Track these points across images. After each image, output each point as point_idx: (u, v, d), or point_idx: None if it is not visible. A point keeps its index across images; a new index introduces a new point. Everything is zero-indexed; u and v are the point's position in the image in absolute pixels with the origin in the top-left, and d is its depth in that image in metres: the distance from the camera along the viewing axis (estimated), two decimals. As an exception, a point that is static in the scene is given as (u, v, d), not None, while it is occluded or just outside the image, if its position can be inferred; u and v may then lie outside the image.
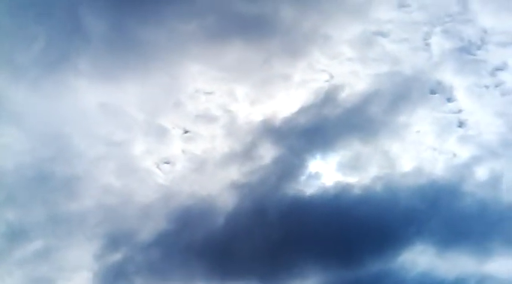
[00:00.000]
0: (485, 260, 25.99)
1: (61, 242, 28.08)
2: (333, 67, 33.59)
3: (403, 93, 31.90)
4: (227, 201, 28.89)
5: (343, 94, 31.91)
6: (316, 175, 30.00)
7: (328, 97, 31.70)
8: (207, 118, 32.52)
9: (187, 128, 32.84)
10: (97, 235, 28.11)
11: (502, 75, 33.25)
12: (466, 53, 34.03)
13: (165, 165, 31.80)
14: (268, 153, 30.39)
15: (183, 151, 31.92)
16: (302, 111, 31.46)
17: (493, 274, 25.79)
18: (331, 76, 33.26)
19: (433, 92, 33.07)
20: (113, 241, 27.84)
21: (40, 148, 30.07)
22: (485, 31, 33.88)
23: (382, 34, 33.97)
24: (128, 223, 28.63)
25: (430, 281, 25.75)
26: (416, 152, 30.96)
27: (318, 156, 30.81)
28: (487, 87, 33.76)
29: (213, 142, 32.06)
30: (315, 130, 30.51)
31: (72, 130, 30.98)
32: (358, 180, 29.43)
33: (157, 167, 31.51)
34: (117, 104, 32.14)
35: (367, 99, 31.49)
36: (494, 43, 33.87)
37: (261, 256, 26.57)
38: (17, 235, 28.06)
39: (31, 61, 31.59)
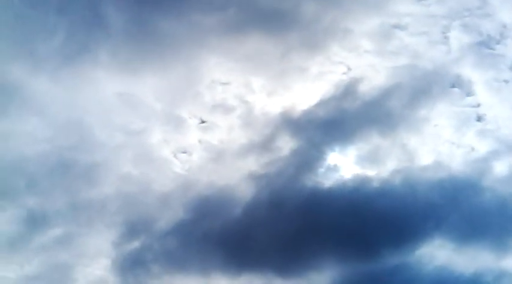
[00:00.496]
0: (503, 256, 25.16)
1: (81, 229, 27.78)
2: (351, 60, 32.82)
3: (422, 86, 31.12)
4: (245, 192, 28.38)
5: (362, 87, 31.23)
6: (335, 168, 29.33)
7: (347, 90, 31.04)
8: (224, 108, 32.17)
9: (204, 118, 32.70)
10: (116, 222, 27.84)
11: None
12: (485, 47, 33.13)
13: (183, 154, 31.49)
14: (286, 145, 29.81)
15: (200, 141, 31.53)
16: (321, 103, 30.83)
17: (510, 270, 24.95)
18: (350, 69, 32.60)
19: (451, 86, 32.32)
20: (132, 229, 27.53)
21: (61, 137, 29.79)
22: (504, 26, 32.90)
23: (401, 27, 33.15)
24: (146, 212, 28.29)
25: (448, 275, 25.02)
26: (435, 146, 30.27)
27: (337, 149, 30.29)
28: (506, 81, 32.91)
29: (230, 132, 31.67)
30: (334, 122, 29.87)
31: (92, 119, 30.69)
32: (376, 173, 28.81)
33: (175, 156, 31.18)
34: (135, 94, 31.82)
35: (386, 93, 30.79)
36: None
37: (278, 248, 26.02)
38: (37, 221, 27.78)
39: (52, 52, 31.37)
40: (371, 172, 28.79)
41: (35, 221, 27.65)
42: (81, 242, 27.38)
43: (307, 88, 32.44)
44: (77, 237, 27.43)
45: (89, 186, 28.59)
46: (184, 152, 31.40)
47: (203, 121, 32.30)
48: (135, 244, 27.17)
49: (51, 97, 30.61)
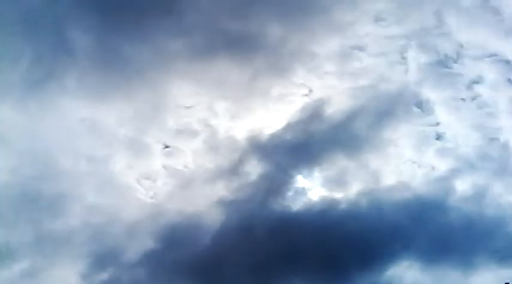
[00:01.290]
0: (471, 274, 24.53)
1: (47, 261, 26.27)
2: (314, 82, 32.29)
3: (383, 108, 30.65)
4: (213, 218, 27.29)
5: (325, 110, 30.61)
6: (303, 191, 28.48)
7: (311, 112, 30.41)
8: (188, 133, 31.06)
9: (168, 143, 31.32)
10: (83, 254, 26.33)
11: (478, 89, 32.20)
12: (443, 66, 32.96)
13: (147, 181, 30.09)
14: (253, 169, 28.88)
15: (165, 167, 30.29)
16: (286, 127, 30.08)
17: (478, 287, 24.38)
18: (311, 91, 31.96)
19: (411, 106, 31.92)
20: (99, 260, 25.94)
21: (24, 167, 28.28)
22: (461, 45, 32.72)
23: (360, 48, 32.69)
24: (113, 242, 26.80)
25: (418, 296, 24.22)
26: (398, 166, 29.72)
27: (304, 172, 29.36)
28: (463, 100, 32.75)
29: (196, 157, 30.59)
30: (300, 145, 29.03)
31: (57, 148, 29.36)
32: (343, 195, 28.07)
33: (139, 183, 29.88)
34: (100, 121, 30.63)
35: (348, 115, 30.25)
36: (470, 57, 32.66)
37: (248, 273, 25.01)
38: (1, 254, 26.05)
39: (16, 79, 30.16)
40: (338, 194, 28.20)
41: (0, 255, 25.86)
42: (47, 275, 25.85)
43: (272, 112, 31.86)
44: (43, 270, 25.91)
45: (54, 216, 27.17)
46: (148, 178, 30.18)
47: (167, 146, 31.32)
48: (104, 276, 25.75)
49: (14, 126, 29.23)
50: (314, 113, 30.08)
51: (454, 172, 28.65)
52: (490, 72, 32.00)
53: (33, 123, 29.64)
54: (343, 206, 26.92)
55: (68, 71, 30.28)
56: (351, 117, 29.55)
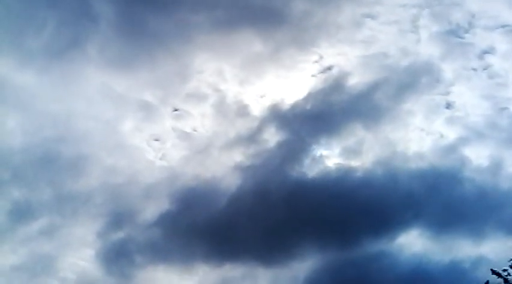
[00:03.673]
0: (480, 243, 22.31)
1: (65, 220, 24.65)
2: (324, 49, 29.89)
3: (394, 77, 28.03)
4: (228, 182, 25.20)
5: (333, 75, 28.17)
6: (320, 159, 26.09)
7: (320, 79, 27.98)
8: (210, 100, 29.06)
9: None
10: (100, 214, 24.49)
11: (490, 59, 29.49)
12: (454, 36, 30.23)
13: (156, 142, 28.38)
14: (273, 137, 26.67)
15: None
16: (307, 97, 27.72)
17: (487, 256, 22.14)
18: (321, 58, 29.53)
19: (421, 74, 29.38)
20: (116, 220, 24.16)
21: (46, 130, 26.57)
22: (473, 15, 29.70)
23: (372, 16, 29.81)
24: (130, 203, 24.90)
25: (426, 263, 22.16)
26: (411, 136, 27.34)
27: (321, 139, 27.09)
28: (474, 69, 30.15)
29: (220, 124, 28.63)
30: (319, 115, 26.68)
31: (78, 112, 27.54)
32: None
33: (149, 145, 28.01)
34: (120, 87, 28.63)
35: (363, 85, 27.60)
36: (481, 27, 29.69)
37: (261, 238, 23.15)
38: (22, 213, 24.49)
39: (40, 46, 28.35)
40: (354, 163, 25.82)
41: (20, 213, 24.27)
42: (65, 233, 24.22)
43: (293, 82, 29.71)
44: (61, 228, 24.28)
45: (73, 177, 25.43)
46: (158, 140, 28.39)
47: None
48: (120, 235, 23.95)
49: (38, 91, 27.57)
50: (321, 79, 27.94)
51: (463, 141, 26.34)
52: (502, 43, 29.36)
53: (55, 89, 28.00)
54: (358, 174, 24.85)
55: (90, 39, 28.47)
56: (365, 89, 27.28)
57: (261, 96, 29.62)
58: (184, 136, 28.34)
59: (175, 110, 29.10)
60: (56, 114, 26.76)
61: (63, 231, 23.86)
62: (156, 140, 28.45)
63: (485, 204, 22.55)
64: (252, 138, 26.41)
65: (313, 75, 29.16)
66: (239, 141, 26.70)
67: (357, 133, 26.11)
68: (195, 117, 29.22)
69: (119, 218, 23.80)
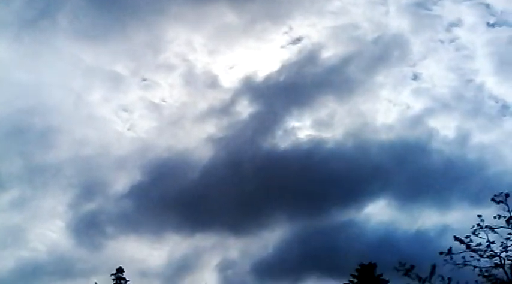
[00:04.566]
0: (446, 213, 22.14)
1: (35, 192, 23.76)
2: (293, 20, 29.44)
3: (363, 49, 27.45)
4: (200, 154, 24.53)
5: (301, 46, 27.54)
6: (292, 131, 25.59)
7: (291, 49, 27.23)
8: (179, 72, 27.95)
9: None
10: (71, 185, 23.58)
11: (457, 31, 29.21)
12: (423, 8, 29.71)
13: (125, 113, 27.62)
14: (245, 109, 25.98)
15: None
16: (280, 69, 26.96)
17: (452, 226, 22.04)
18: (291, 29, 29.01)
19: (391, 47, 28.86)
20: (87, 192, 23.25)
21: (17, 101, 25.36)
22: (441, -14, 29.66)
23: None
24: (101, 174, 24.04)
25: (393, 232, 21.94)
26: (379, 108, 26.89)
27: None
28: (442, 42, 29.76)
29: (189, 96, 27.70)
30: (292, 87, 25.96)
31: (49, 84, 26.49)
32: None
33: (116, 115, 27.19)
34: (92, 59, 27.57)
35: (330, 54, 26.97)
36: None
37: (233, 208, 22.52)
38: (-8, 184, 23.03)
39: (11, 16, 27.09)
40: (325, 134, 25.39)
41: (-10, 184, 22.98)
42: (35, 204, 23.39)
43: (266, 54, 28.97)
44: (31, 200, 23.42)
45: (44, 149, 24.36)
46: (125, 110, 27.62)
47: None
48: (90, 206, 23.07)
49: (8, 61, 26.23)
50: (292, 49, 27.25)
51: (429, 112, 26.09)
52: (469, 15, 29.03)
53: (26, 59, 26.71)
54: (329, 146, 24.43)
55: (61, 10, 27.49)
56: (338, 62, 26.64)
57: (231, 67, 28.88)
58: (153, 107, 27.55)
59: (144, 80, 28.24)
60: (26, 85, 25.71)
61: (33, 203, 23.09)
62: (125, 111, 27.63)
63: (451, 175, 22.40)
64: (224, 109, 25.77)
65: (282, 47, 28.53)
66: (211, 113, 26.07)
67: (329, 106, 25.68)
68: (164, 87, 28.39)
69: (89, 189, 23.07)
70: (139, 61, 29.92)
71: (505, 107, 27.70)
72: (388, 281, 14.75)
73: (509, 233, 10.23)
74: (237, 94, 26.37)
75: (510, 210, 10.40)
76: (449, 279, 10.12)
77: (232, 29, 28.93)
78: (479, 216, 10.50)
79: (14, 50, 26.53)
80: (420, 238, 21.25)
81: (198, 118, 26.89)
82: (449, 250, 10.27)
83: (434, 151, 23.18)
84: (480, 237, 10.32)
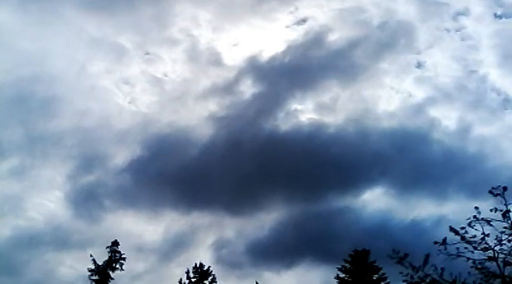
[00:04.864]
0: (442, 204, 22.06)
1: (35, 161, 23.71)
2: (300, 2, 29.23)
3: (369, 34, 27.13)
4: (201, 132, 24.40)
5: (307, 27, 27.25)
6: (294, 113, 25.54)
7: (296, 29, 26.93)
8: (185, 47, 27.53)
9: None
10: (71, 156, 23.45)
11: (464, 20, 29.22)
12: None
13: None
14: (248, 89, 25.77)
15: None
16: (286, 50, 26.67)
17: (448, 216, 22.00)
18: (297, 9, 29.13)
19: (397, 33, 28.54)
20: (87, 164, 23.18)
21: (20, 69, 25.27)
22: (449, -25, 29.17)
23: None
24: (102, 147, 23.94)
25: (389, 220, 21.91)
26: (379, 93, 26.73)
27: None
28: (448, 30, 29.54)
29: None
30: (296, 69, 25.64)
31: (53, 53, 26.35)
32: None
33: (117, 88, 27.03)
34: (97, 30, 27.36)
35: (336, 37, 26.72)
36: None
37: (231, 188, 22.48)
38: (-8, 152, 22.90)
39: None
40: (327, 119, 25.31)
41: (-10, 152, 22.85)
42: (35, 174, 23.37)
43: (272, 35, 28.78)
44: (31, 169, 23.39)
45: (46, 118, 24.32)
46: (126, 83, 27.38)
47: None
48: (89, 179, 23.08)
49: (13, 28, 25.98)
50: (297, 30, 27.04)
51: (431, 101, 26.03)
52: (477, 5, 28.90)
53: (32, 28, 26.85)
54: (330, 130, 24.40)
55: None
56: (345, 45, 26.34)
57: (235, 45, 28.67)
58: (155, 81, 27.43)
59: (147, 54, 28.10)
60: (30, 53, 25.58)
61: (32, 172, 23.08)
62: (126, 84, 27.56)
63: (450, 166, 22.31)
64: (227, 88, 25.59)
65: (288, 27, 28.35)
66: (213, 91, 25.88)
67: (332, 90, 25.49)
68: (167, 62, 28.22)
69: (89, 161, 23.06)
70: (143, 34, 29.64)
71: (507, 100, 27.61)
72: (380, 268, 14.80)
73: (505, 227, 10.10)
74: (241, 73, 26.22)
75: (507, 203, 10.26)
76: (442, 269, 10.04)
77: (238, 6, 28.57)
78: (476, 208, 10.36)
79: (19, 18, 26.32)
80: (415, 227, 21.23)
81: (200, 95, 26.74)
82: (444, 240, 10.13)
83: (435, 142, 23.15)
84: (475, 229, 10.18)
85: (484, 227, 10.49)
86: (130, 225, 21.87)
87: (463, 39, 28.33)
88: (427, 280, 10.29)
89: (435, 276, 10.32)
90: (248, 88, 25.72)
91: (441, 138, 23.26)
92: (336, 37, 27.00)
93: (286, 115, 24.59)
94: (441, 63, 28.24)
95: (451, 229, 10.66)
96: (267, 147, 23.03)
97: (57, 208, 22.54)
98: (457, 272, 10.13)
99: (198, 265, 16.10)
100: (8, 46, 25.78)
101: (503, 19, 29.12)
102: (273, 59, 26.50)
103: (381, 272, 15.01)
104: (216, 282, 15.86)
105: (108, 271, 15.23)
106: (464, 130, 24.06)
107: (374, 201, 22.68)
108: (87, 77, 26.08)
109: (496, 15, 28.75)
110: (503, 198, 10.91)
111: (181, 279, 15.81)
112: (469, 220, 10.73)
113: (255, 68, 26.37)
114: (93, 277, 15.11)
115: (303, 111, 25.28)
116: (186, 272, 15.83)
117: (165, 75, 27.94)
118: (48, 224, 21.63)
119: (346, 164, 22.30)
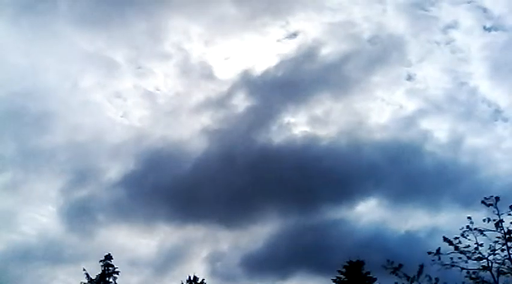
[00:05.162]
0: (436, 215, 22.05)
1: (28, 175, 23.46)
2: (291, 15, 29.56)
3: (360, 47, 27.36)
4: (195, 145, 24.34)
5: (299, 41, 27.53)
6: (287, 126, 25.59)
7: (287, 44, 27.15)
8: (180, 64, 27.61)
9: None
10: (64, 171, 23.32)
11: (453, 33, 29.39)
12: (420, 8, 29.97)
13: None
14: (242, 102, 25.86)
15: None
16: (279, 64, 26.88)
17: (441, 228, 21.98)
18: (288, 23, 29.23)
19: (387, 46, 28.75)
20: (80, 178, 23.03)
21: (13, 83, 24.93)
22: (438, -12, 29.41)
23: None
24: (95, 161, 23.80)
25: (383, 231, 21.87)
26: (371, 106, 26.85)
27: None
28: (437, 43, 29.77)
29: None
30: (289, 83, 25.79)
31: (45, 67, 26.26)
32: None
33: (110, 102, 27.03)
34: (89, 44, 27.43)
35: (328, 51, 26.92)
36: (447, 1, 30.07)
37: (224, 201, 22.33)
38: (-15, 166, 22.68)
39: None
40: (320, 132, 25.33)
41: (-17, 166, 22.63)
42: (27, 188, 23.13)
43: (265, 49, 29.00)
44: (23, 183, 23.14)
45: (39, 133, 24.16)
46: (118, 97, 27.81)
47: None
48: (83, 193, 23.00)
49: (5, 43, 25.83)
50: (289, 43, 27.27)
51: (422, 113, 26.16)
52: (466, 18, 29.05)
53: (24, 43, 26.46)
54: (323, 143, 24.39)
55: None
56: (336, 59, 26.53)
57: (227, 59, 28.96)
58: (147, 95, 27.51)
59: (139, 68, 28.22)
60: (22, 68, 25.43)
61: (25, 186, 22.87)
62: (118, 97, 27.65)
63: (443, 177, 22.35)
64: (220, 102, 25.65)
65: (280, 41, 28.66)
66: (206, 104, 25.90)
67: (325, 103, 25.61)
68: (158, 76, 28.31)
69: (82, 176, 22.91)
70: (135, 48, 29.74)
71: (497, 111, 27.82)
72: (375, 279, 14.74)
73: (498, 237, 10.12)
74: (234, 87, 26.33)
75: (500, 213, 10.27)
76: (437, 279, 10.02)
77: (230, 20, 28.85)
78: (469, 218, 10.38)
79: (11, 33, 26.23)
80: (409, 238, 21.22)
81: (193, 109, 26.79)
82: (438, 250, 10.16)
83: (427, 154, 23.28)
84: (469, 239, 10.22)
85: (478, 237, 10.56)
86: (124, 239, 21.77)
87: (453, 52, 28.68)
88: (422, 290, 10.29)
89: (429, 286, 10.33)
90: (241, 102, 25.81)
91: (433, 150, 23.51)
92: (327, 51, 27.22)
93: (279, 129, 24.67)
94: (432, 75, 28.54)
95: (445, 239, 10.69)
96: (261, 160, 23.09)
97: (50, 222, 22.46)
98: (451, 282, 10.13)
99: (192, 278, 15.98)
100: (0, 61, 25.73)
101: (493, 31, 29.56)
102: (265, 72, 26.67)
103: (375, 283, 15.00)
104: (210, 295, 15.72)
105: (101, 285, 15.06)
106: (456, 141, 24.25)
107: (368, 212, 22.76)
108: (79, 92, 26.04)
109: (485, 28, 29.15)
110: (496, 208, 10.98)
111: (175, 292, 15.68)
112: (463, 230, 10.78)
113: (247, 82, 26.50)
114: (87, 291, 14.93)
115: (296, 124, 25.37)
116: (180, 286, 15.69)
117: (157, 89, 28.03)
118: (42, 238, 21.50)
119: (339, 176, 22.40)
